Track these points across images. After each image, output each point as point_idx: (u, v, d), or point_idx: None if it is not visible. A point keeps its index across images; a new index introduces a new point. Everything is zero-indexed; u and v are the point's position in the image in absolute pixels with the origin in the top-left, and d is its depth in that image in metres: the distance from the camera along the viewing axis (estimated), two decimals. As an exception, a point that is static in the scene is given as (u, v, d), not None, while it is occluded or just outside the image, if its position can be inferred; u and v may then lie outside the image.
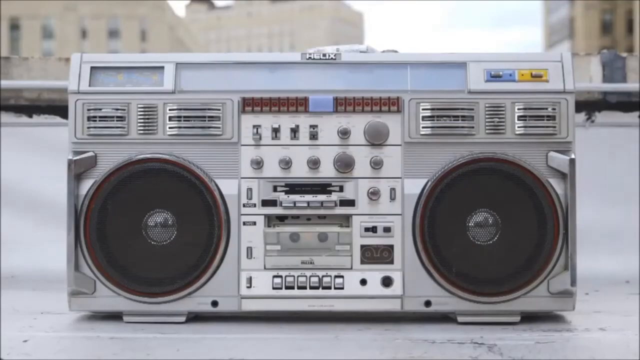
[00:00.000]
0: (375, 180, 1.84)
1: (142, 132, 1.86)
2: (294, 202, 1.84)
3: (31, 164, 2.82)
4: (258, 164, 1.85)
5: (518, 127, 1.85)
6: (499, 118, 1.85)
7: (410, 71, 1.86)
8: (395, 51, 1.97)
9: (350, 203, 1.84)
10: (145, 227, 1.85)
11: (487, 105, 1.85)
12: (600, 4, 42.26)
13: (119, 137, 1.86)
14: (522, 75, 1.86)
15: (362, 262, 1.85)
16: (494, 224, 1.84)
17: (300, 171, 1.85)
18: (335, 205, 1.84)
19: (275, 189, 1.85)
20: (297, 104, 1.86)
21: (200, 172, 1.84)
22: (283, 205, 1.84)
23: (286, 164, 1.85)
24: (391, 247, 1.85)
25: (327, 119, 1.86)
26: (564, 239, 1.82)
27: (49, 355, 1.60)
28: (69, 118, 1.87)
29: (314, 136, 1.86)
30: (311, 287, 1.84)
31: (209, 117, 1.86)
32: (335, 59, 1.89)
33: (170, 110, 1.86)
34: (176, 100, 1.87)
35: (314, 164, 1.84)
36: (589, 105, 2.72)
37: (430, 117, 1.84)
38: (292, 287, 1.84)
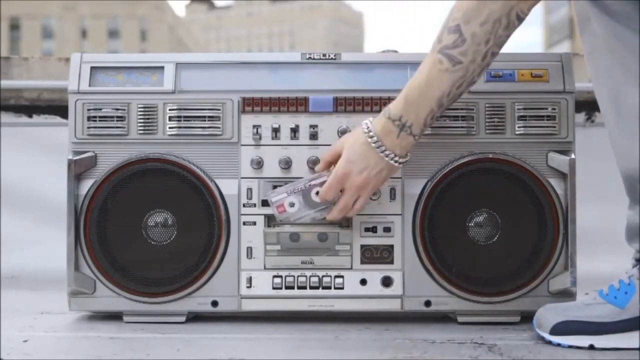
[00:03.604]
0: (376, 180, 1.83)
1: (142, 132, 1.86)
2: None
3: (31, 164, 2.81)
4: (258, 164, 1.85)
5: (518, 127, 1.85)
6: (499, 118, 1.85)
7: (410, 71, 1.86)
8: (395, 51, 1.97)
9: (350, 203, 1.83)
10: (145, 227, 1.85)
11: (487, 105, 1.85)
12: (600, 4, 42.18)
13: (119, 137, 1.86)
14: (522, 75, 1.86)
15: (362, 262, 1.85)
16: (494, 224, 1.84)
17: (300, 171, 1.85)
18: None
19: (275, 189, 1.85)
20: (297, 104, 1.86)
21: (200, 172, 1.84)
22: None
23: (286, 164, 1.85)
24: (391, 247, 1.85)
25: (327, 119, 1.86)
26: (564, 239, 1.82)
27: (49, 355, 1.60)
28: (69, 118, 1.87)
29: (314, 136, 1.86)
30: (311, 287, 1.84)
31: (209, 117, 1.86)
32: (335, 58, 1.89)
33: (170, 110, 1.86)
34: (176, 100, 1.87)
35: (314, 164, 1.84)
36: (589, 105, 2.72)
37: (430, 117, 1.84)
38: (292, 287, 1.84)
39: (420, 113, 1.65)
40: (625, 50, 1.58)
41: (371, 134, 1.68)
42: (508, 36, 1.62)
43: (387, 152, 1.67)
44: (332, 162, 1.75)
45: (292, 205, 1.78)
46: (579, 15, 1.65)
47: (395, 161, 1.68)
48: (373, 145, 1.68)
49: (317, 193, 1.76)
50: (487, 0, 1.57)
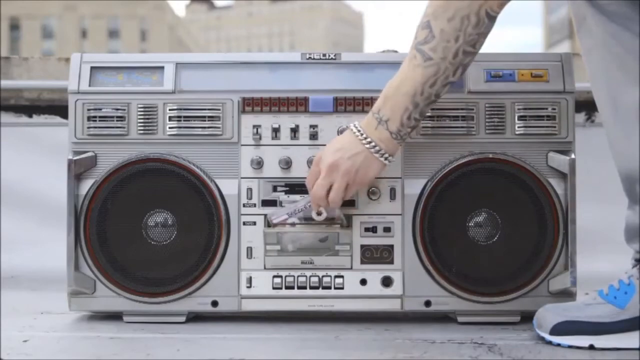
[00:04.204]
0: (375, 180, 1.84)
1: (142, 132, 1.86)
2: (294, 202, 1.84)
3: (31, 164, 2.82)
4: (258, 164, 1.85)
5: (518, 127, 1.85)
6: (499, 118, 1.85)
7: (410, 71, 1.86)
8: (395, 51, 1.97)
9: (351, 203, 1.84)
10: (145, 227, 1.85)
11: (487, 105, 1.85)
12: (600, 4, 42.24)
13: (119, 137, 1.86)
14: (522, 75, 1.86)
15: (362, 262, 1.85)
16: (494, 224, 1.84)
17: (300, 171, 1.85)
18: (335, 205, 1.84)
19: (275, 189, 1.85)
20: (297, 104, 1.86)
21: (200, 172, 1.84)
22: (283, 205, 1.84)
23: (286, 164, 1.85)
24: (391, 247, 1.85)
25: (327, 119, 1.86)
26: (564, 239, 1.82)
27: (49, 355, 1.60)
28: (69, 118, 1.87)
29: (314, 136, 1.86)
30: (311, 287, 1.84)
31: (209, 117, 1.86)
32: (335, 58, 1.89)
33: (170, 110, 1.86)
34: (176, 100, 1.87)
35: (314, 164, 1.84)
36: (589, 105, 2.71)
37: (430, 117, 1.84)
38: (292, 287, 1.84)
39: (396, 109, 1.67)
40: (622, 50, 1.58)
41: (356, 126, 1.72)
42: (480, 35, 1.62)
43: (364, 136, 1.69)
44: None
45: (293, 225, 1.80)
46: (576, 15, 1.66)
47: (373, 147, 1.69)
48: (353, 129, 1.71)
49: (318, 213, 1.77)
50: None
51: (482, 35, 1.63)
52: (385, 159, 1.70)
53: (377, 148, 1.69)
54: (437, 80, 1.64)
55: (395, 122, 1.67)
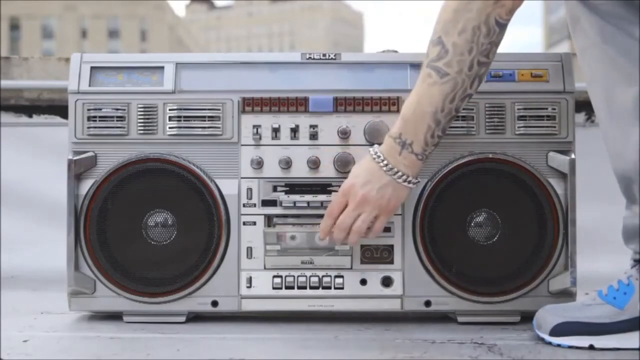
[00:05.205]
0: (376, 180, 1.83)
1: (142, 132, 1.86)
2: (294, 202, 1.84)
3: (31, 164, 2.82)
4: (258, 164, 1.85)
5: (518, 127, 1.85)
6: (499, 118, 1.85)
7: (410, 71, 1.86)
8: (395, 51, 1.97)
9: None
10: (145, 227, 1.85)
11: (487, 105, 1.85)
12: (600, 4, 42.24)
13: (119, 137, 1.86)
14: (522, 75, 1.86)
15: (362, 262, 1.85)
16: (494, 223, 1.84)
17: (300, 171, 1.86)
18: (335, 205, 1.84)
19: (275, 189, 1.85)
20: (297, 104, 1.86)
21: (200, 172, 1.84)
22: (283, 205, 1.85)
23: (286, 164, 1.85)
24: (391, 247, 1.85)
25: (327, 119, 1.86)
26: (564, 239, 1.82)
27: (49, 355, 1.60)
28: (69, 118, 1.87)
29: (313, 136, 1.86)
30: (311, 287, 1.85)
31: (209, 117, 1.86)
32: (335, 58, 1.89)
33: (170, 110, 1.86)
34: (176, 100, 1.87)
35: (314, 164, 1.84)
36: (589, 105, 2.70)
37: (430, 117, 1.84)
38: (292, 287, 1.84)
39: (418, 130, 1.65)
40: (616, 50, 1.58)
41: (378, 154, 1.69)
42: (492, 44, 1.62)
43: (390, 167, 1.67)
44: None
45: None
46: (570, 15, 1.66)
47: (399, 177, 1.67)
48: (377, 160, 1.68)
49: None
50: (462, 10, 1.59)
51: (494, 44, 1.63)
52: (413, 184, 1.70)
53: (404, 177, 1.67)
54: (456, 95, 1.63)
55: (420, 142, 1.66)
